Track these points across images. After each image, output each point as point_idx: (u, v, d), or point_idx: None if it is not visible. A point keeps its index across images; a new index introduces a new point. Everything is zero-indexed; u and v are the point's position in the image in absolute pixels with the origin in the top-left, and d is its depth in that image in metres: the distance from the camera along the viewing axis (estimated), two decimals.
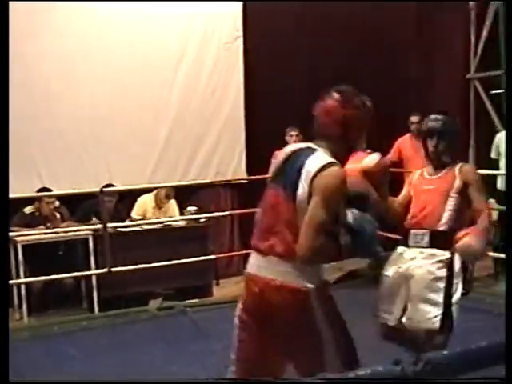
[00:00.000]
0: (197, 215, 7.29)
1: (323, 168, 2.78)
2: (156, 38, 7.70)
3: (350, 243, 2.84)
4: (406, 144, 7.68)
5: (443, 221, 3.82)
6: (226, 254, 7.96)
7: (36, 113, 7.04)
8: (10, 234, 6.09)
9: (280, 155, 3.01)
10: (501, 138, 7.54)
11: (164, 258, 6.53)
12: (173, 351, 5.09)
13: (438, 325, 3.68)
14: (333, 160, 2.82)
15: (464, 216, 3.85)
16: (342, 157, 2.93)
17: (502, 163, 7.39)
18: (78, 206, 7.08)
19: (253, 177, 7.84)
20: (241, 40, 8.14)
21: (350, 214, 2.88)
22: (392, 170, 7.56)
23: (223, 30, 8.09)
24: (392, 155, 7.70)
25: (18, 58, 6.52)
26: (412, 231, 3.91)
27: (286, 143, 7.43)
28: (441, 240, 3.80)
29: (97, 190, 6.51)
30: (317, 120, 2.98)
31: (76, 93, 7.31)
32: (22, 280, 6.31)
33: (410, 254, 3.90)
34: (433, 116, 4.08)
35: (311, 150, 2.90)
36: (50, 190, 6.75)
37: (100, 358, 5.29)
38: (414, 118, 7.58)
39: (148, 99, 7.68)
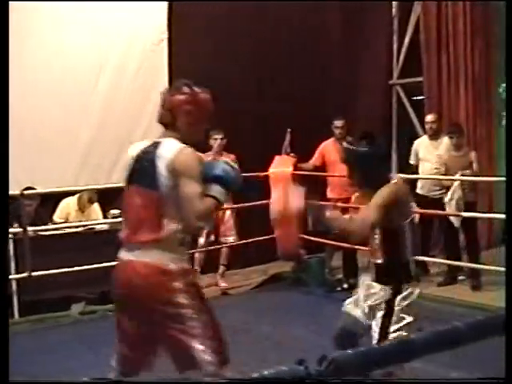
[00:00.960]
0: (120, 218, 7.24)
1: (178, 153, 3.08)
2: (78, 42, 7.64)
3: (220, 190, 3.12)
4: (329, 148, 7.79)
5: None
6: None
7: None
8: None
9: (129, 156, 3.26)
10: (419, 143, 7.75)
11: (87, 262, 6.49)
12: (95, 355, 5.07)
13: None
14: (183, 145, 3.12)
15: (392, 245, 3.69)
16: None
17: (421, 168, 7.62)
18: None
19: None
20: (165, 42, 8.13)
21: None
22: (316, 174, 7.79)
23: (148, 32, 8.07)
24: (315, 160, 7.82)
25: None
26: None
27: (210, 147, 7.50)
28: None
29: (17, 192, 6.45)
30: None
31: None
32: None
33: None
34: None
35: (157, 143, 3.20)
36: None
37: (20, 365, 5.23)
38: (337, 123, 7.70)
39: (72, 103, 7.60)
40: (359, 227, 3.57)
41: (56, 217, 7.29)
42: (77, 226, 7.15)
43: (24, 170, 7.31)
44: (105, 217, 7.38)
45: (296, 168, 7.50)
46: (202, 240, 7.54)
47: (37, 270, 6.31)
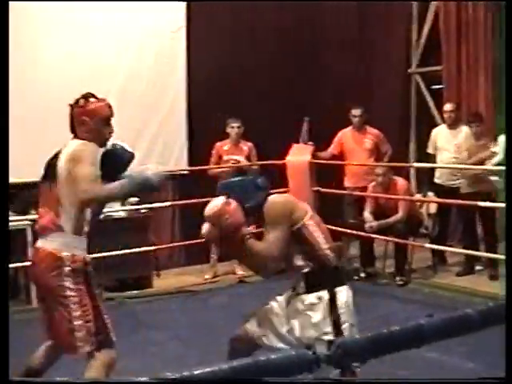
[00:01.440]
0: (137, 206, 7.30)
1: (76, 146, 3.57)
2: (95, 30, 7.65)
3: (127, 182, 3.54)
4: (347, 137, 7.81)
5: None
6: (166, 246, 7.99)
7: None
8: None
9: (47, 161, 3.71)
10: (438, 132, 7.71)
11: (104, 249, 6.50)
12: None
13: None
14: (82, 141, 3.60)
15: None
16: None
17: (439, 158, 7.58)
18: (15, 197, 7.04)
19: (194, 167, 7.90)
20: (184, 30, 8.12)
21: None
22: (333, 162, 7.80)
23: (167, 20, 8.07)
24: (333, 148, 7.83)
25: None
26: None
27: (227, 135, 7.52)
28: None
29: (36, 179, 6.49)
30: None
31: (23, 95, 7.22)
32: None
33: None
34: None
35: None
36: None
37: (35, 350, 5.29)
38: (355, 112, 7.70)
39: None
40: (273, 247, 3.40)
41: None
42: None
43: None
44: (123, 204, 7.40)
45: (314, 157, 7.52)
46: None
47: None
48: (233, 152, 7.51)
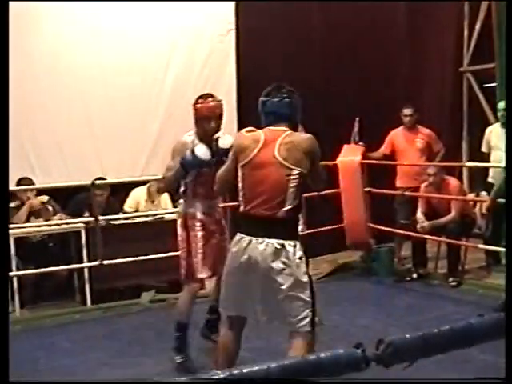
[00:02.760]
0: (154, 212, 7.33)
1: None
2: (146, 33, 7.73)
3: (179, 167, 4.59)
4: (398, 137, 7.77)
5: None
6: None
7: (28, 107, 7.07)
8: None
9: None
10: (492, 131, 7.62)
11: (156, 251, 6.57)
12: (162, 342, 5.18)
13: None
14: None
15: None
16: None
17: (493, 156, 7.49)
18: (69, 200, 7.17)
19: None
20: (233, 33, 8.14)
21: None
22: (384, 162, 7.76)
23: (216, 22, 8.09)
24: (384, 148, 7.80)
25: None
26: None
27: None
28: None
29: (88, 183, 6.62)
30: None
31: (67, 88, 7.35)
32: (14, 273, 6.39)
33: None
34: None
35: None
36: (32, 182, 6.85)
37: (93, 351, 5.38)
38: (406, 111, 7.66)
39: (140, 93, 7.72)
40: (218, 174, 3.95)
41: (126, 206, 7.41)
42: (146, 216, 7.27)
43: (95, 160, 7.49)
44: (174, 206, 7.45)
45: (365, 157, 7.49)
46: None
47: (108, 259, 6.45)
48: None
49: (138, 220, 7.18)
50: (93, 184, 6.56)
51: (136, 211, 7.35)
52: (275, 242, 3.54)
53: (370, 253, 7.66)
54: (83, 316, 6.47)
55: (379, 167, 7.64)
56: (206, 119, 4.66)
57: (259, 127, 3.86)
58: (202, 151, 4.55)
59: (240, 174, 3.70)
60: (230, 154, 3.83)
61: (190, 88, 7.93)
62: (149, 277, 6.98)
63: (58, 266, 6.60)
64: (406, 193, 7.53)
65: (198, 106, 4.70)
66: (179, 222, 4.81)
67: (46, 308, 6.66)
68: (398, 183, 7.75)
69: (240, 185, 3.72)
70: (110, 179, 7.10)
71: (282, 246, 3.55)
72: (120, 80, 7.61)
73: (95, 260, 6.49)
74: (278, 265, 3.52)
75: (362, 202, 7.41)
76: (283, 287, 3.51)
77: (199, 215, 4.73)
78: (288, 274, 3.52)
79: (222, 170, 3.88)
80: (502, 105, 7.47)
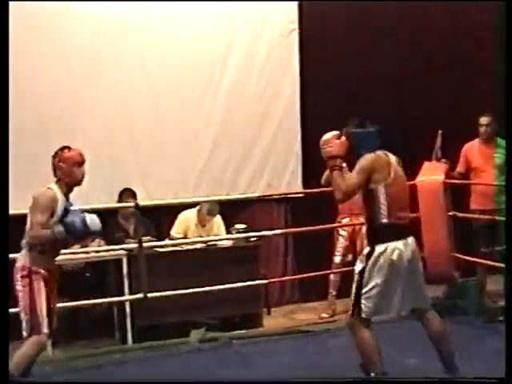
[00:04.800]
0: (246, 234, 7.19)
1: (36, 193, 4.93)
2: (199, 34, 7.70)
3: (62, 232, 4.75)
4: (473, 151, 7.48)
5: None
6: (278, 279, 7.86)
7: (68, 125, 7.09)
8: None
9: None
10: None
11: (208, 283, 6.49)
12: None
13: (350, 313, 4.70)
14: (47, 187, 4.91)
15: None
16: None
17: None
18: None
19: (310, 190, 7.73)
20: (296, 33, 8.09)
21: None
22: (468, 182, 7.47)
23: (276, 22, 8.05)
24: (461, 166, 7.52)
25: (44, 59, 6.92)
26: None
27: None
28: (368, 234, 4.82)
29: (131, 204, 6.56)
30: None
31: (107, 97, 7.34)
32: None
33: None
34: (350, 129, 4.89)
35: None
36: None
37: None
38: (483, 120, 7.40)
39: (191, 105, 7.70)
40: (344, 184, 4.52)
41: (174, 231, 7.31)
42: (196, 242, 7.14)
43: (137, 179, 7.42)
44: (228, 232, 7.32)
45: (448, 176, 7.22)
46: (337, 259, 7.40)
47: (152, 291, 6.31)
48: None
49: (187, 247, 7.05)
50: (137, 206, 6.48)
51: (184, 237, 7.22)
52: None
53: (454, 287, 7.38)
54: (123, 356, 6.38)
55: (455, 187, 7.40)
56: (79, 164, 4.95)
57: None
58: (95, 222, 4.94)
59: (383, 190, 4.58)
60: (360, 172, 4.56)
61: (247, 95, 7.90)
62: (198, 312, 6.85)
63: (96, 298, 6.53)
64: (483, 216, 7.21)
65: (67, 154, 4.94)
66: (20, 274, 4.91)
67: (81, 347, 6.59)
68: (473, 205, 7.47)
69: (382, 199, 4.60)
70: (156, 201, 7.02)
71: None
72: (168, 87, 7.58)
73: (138, 292, 6.37)
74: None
75: (446, 228, 7.13)
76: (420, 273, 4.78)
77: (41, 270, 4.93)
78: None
79: (352, 183, 4.55)
80: (484, 120, 7.24)
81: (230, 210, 7.53)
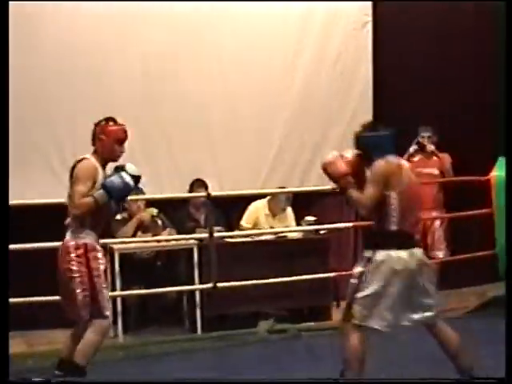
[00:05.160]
0: (316, 226, 7.18)
1: (77, 163, 4.65)
2: (271, 23, 7.71)
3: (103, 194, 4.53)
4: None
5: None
6: (348, 272, 7.82)
7: (138, 109, 7.16)
8: (108, 241, 6.16)
9: None
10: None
11: (277, 274, 6.50)
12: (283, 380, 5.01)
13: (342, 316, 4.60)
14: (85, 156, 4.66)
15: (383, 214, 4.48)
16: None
17: None
18: (175, 213, 7.17)
19: None
20: (370, 26, 8.05)
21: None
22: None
23: (350, 14, 8.02)
24: None
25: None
26: None
27: (419, 143, 7.38)
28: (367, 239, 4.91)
29: (203, 194, 6.65)
30: None
31: (186, 94, 7.40)
32: (118, 293, 6.38)
33: None
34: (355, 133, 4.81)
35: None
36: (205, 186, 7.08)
37: None
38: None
39: (265, 94, 7.70)
40: (363, 198, 4.41)
41: (244, 222, 7.31)
42: (266, 233, 7.15)
43: (210, 168, 7.45)
44: (298, 224, 7.32)
45: None
46: (441, 254, 7.40)
47: (222, 282, 6.35)
48: (424, 165, 7.38)
49: (256, 238, 7.08)
50: (209, 196, 6.57)
51: (254, 228, 7.23)
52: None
53: None
54: (192, 345, 6.41)
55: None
56: (121, 142, 4.72)
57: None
58: (134, 170, 4.71)
59: (395, 196, 4.45)
60: (375, 182, 4.43)
61: (321, 86, 7.85)
62: (267, 303, 6.86)
63: (166, 287, 6.56)
64: None
65: (112, 128, 4.70)
66: (75, 253, 4.62)
67: (151, 334, 6.63)
68: None
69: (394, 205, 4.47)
70: (227, 191, 7.05)
71: None
72: (242, 77, 7.61)
73: (208, 282, 6.41)
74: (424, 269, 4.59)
75: None
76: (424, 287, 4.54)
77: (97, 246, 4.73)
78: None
79: (371, 195, 4.41)
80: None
81: (301, 202, 7.53)
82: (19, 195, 5.90)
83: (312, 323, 6.96)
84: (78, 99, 6.98)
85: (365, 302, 4.42)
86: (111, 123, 4.68)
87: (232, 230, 7.16)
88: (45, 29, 6.97)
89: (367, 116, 7.96)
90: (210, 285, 6.38)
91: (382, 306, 4.41)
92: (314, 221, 7.21)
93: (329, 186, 7.60)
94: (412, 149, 7.49)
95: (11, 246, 4.71)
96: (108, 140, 4.63)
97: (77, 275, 4.54)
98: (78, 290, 4.53)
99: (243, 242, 6.96)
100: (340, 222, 7.43)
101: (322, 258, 7.13)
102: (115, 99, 6.94)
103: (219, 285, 6.34)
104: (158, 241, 6.84)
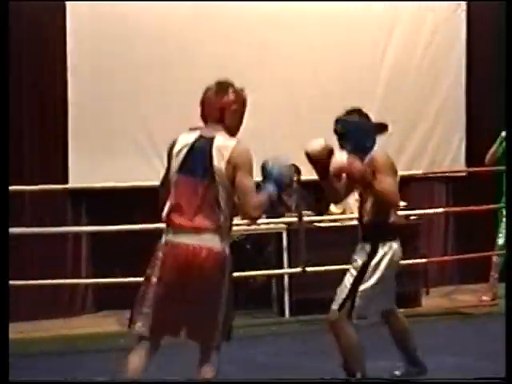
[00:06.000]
0: (406, 212, 7.17)
1: (236, 147, 3.67)
2: (359, 11, 7.74)
3: (274, 191, 3.80)
4: None
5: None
6: (438, 259, 7.79)
7: None
8: None
9: (180, 146, 3.76)
10: None
11: None
12: (371, 364, 5.04)
13: (336, 307, 4.57)
14: (236, 139, 3.73)
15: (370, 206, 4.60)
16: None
17: None
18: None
19: (474, 169, 7.61)
20: (463, 10, 7.97)
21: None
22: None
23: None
24: None
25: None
26: None
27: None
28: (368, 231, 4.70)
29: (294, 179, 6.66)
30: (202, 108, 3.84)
31: (276, 80, 7.53)
32: None
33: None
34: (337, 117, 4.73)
35: (208, 137, 3.74)
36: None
37: (290, 368, 5.34)
38: None
39: (354, 80, 7.71)
40: (393, 193, 4.45)
41: (333, 207, 7.33)
42: (355, 218, 7.14)
43: (296, 151, 7.49)
44: None
45: None
46: (501, 241, 7.26)
47: (311, 266, 6.41)
48: None
49: (346, 223, 7.08)
50: (298, 181, 6.63)
51: (344, 213, 7.25)
52: None
53: None
54: (280, 328, 6.49)
55: None
56: (244, 113, 3.90)
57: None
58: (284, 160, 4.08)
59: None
60: (390, 172, 4.52)
61: (409, 73, 7.81)
62: None
63: (256, 270, 6.65)
64: None
65: (246, 95, 3.88)
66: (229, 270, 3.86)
67: (239, 317, 6.66)
68: None
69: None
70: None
71: None
72: (330, 63, 7.65)
73: (296, 266, 6.46)
74: None
75: None
76: None
77: None
78: None
79: (393, 186, 4.49)
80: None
81: None
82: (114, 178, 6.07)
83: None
84: (167, 90, 7.21)
85: (367, 295, 4.52)
86: (242, 90, 3.87)
87: (322, 215, 7.18)
88: (135, 22, 7.20)
89: (459, 100, 7.91)
90: (298, 269, 6.44)
91: (380, 296, 4.60)
92: (404, 206, 7.19)
93: (420, 171, 7.67)
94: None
95: (111, 228, 4.78)
96: (243, 110, 3.86)
97: (222, 289, 3.76)
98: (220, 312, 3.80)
99: (332, 227, 6.99)
100: (430, 208, 7.39)
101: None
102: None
103: (308, 269, 6.39)
104: (249, 224, 6.92)
